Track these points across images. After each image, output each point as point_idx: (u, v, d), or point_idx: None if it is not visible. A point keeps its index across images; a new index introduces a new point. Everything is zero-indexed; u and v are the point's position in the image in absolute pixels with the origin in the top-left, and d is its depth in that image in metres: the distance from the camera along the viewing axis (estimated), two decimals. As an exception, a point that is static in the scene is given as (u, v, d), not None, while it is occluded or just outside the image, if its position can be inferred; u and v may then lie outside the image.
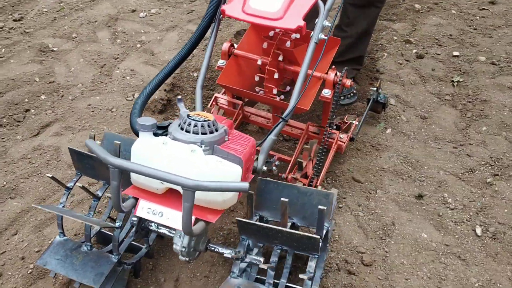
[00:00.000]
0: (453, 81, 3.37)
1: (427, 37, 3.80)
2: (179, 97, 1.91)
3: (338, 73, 2.29)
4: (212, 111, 2.62)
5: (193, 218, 1.65)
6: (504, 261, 2.28)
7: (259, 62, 2.32)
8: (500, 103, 3.16)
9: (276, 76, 2.26)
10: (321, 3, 2.11)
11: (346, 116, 2.85)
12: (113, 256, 1.93)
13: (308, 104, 2.25)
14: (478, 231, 2.41)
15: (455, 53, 3.63)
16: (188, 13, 4.24)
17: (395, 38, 3.80)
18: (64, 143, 2.89)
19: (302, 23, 2.03)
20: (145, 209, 1.69)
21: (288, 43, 2.25)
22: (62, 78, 3.44)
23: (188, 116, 1.74)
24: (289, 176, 2.30)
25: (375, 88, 2.83)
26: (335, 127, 2.65)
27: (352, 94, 3.17)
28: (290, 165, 2.40)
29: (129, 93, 3.28)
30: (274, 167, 2.42)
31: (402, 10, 4.17)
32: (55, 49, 3.72)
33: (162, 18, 4.18)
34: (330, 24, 2.10)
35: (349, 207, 2.53)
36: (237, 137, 1.84)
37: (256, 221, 1.93)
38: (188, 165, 1.62)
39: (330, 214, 1.90)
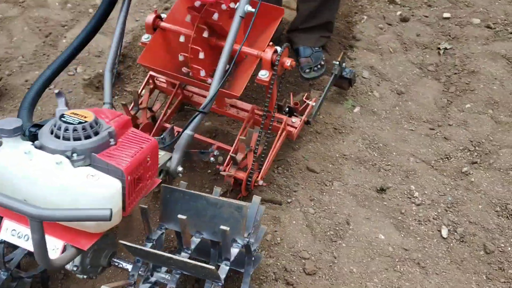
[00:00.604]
0: (439, 48, 2.95)
1: (415, -5, 3.33)
2: (57, 91, 1.58)
3: (278, 50, 1.92)
4: (141, 92, 2.28)
5: (61, 244, 1.36)
6: (470, 269, 1.97)
7: (181, 39, 1.95)
8: (490, 74, 2.75)
9: (201, 55, 1.90)
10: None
11: (306, 94, 2.49)
12: (1, 273, 1.68)
13: (239, 90, 1.90)
14: (444, 232, 2.08)
15: (446, 14, 3.17)
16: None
17: (379, -3, 3.35)
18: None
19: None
20: (9, 231, 1.41)
21: (215, 16, 1.88)
22: (2, 49, 3.12)
23: (62, 117, 1.42)
24: (225, 172, 1.99)
25: (337, 62, 2.45)
26: (286, 110, 2.30)
27: (319, 66, 2.79)
28: (228, 157, 2.08)
29: (72, 67, 2.95)
30: (212, 158, 2.11)
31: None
32: (-1, 16, 3.39)
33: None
34: (258, -7, 1.72)
35: (299, 202, 2.22)
36: (131, 138, 1.51)
37: (162, 234, 1.64)
38: (52, 182, 1.32)
39: (249, 227, 1.60)
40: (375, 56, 2.92)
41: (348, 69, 2.52)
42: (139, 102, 2.22)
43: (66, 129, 1.38)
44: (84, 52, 3.03)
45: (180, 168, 1.76)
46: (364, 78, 2.79)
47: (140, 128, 2.20)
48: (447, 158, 2.38)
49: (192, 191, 1.58)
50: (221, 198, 1.56)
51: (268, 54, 1.89)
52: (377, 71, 2.83)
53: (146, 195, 1.59)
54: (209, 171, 2.35)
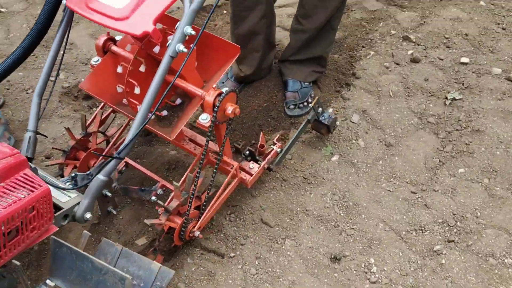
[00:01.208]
0: (446, 98, 2.64)
1: (434, 34, 3.01)
2: None
3: (223, 93, 1.71)
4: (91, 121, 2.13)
5: None
6: None
7: (118, 70, 1.79)
8: (496, 137, 2.42)
9: (136, 90, 1.72)
10: (186, 1, 1.52)
11: (278, 135, 2.26)
12: None
13: (173, 133, 1.71)
14: (393, 323, 1.81)
15: (464, 59, 2.84)
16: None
17: (393, 32, 3.05)
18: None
19: (151, 28, 1.47)
20: None
21: (156, 48, 1.70)
22: (-4, 45, 3.08)
23: None
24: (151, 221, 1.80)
25: (311, 106, 2.21)
26: (246, 154, 2.09)
27: (305, 104, 2.56)
28: (169, 199, 1.89)
29: (54, 72, 2.85)
30: (153, 197, 1.94)
31: (418, -5, 3.36)
32: (2, 9, 3.35)
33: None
34: (193, 32, 1.52)
35: (243, 258, 2.01)
36: (17, 184, 1.36)
37: (48, 289, 1.48)
38: None
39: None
40: (372, 98, 2.65)
41: (327, 113, 2.28)
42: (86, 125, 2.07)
43: None
44: (71, 57, 2.97)
45: (88, 215, 1.59)
46: (353, 122, 2.52)
47: (86, 155, 2.06)
48: (421, 230, 2.09)
49: (79, 250, 1.41)
50: (105, 264, 1.38)
51: (210, 96, 1.69)
52: (369, 116, 2.56)
53: (33, 245, 1.44)
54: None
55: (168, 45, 1.53)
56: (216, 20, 3.24)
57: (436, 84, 2.72)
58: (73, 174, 1.75)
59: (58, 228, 1.50)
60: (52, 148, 2.02)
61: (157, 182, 2.01)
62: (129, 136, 1.54)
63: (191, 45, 1.54)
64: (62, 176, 2.11)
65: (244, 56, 2.52)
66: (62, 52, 1.85)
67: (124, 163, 2.09)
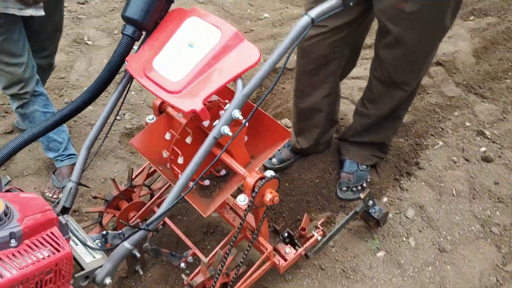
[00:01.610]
0: (517, 207, 2.41)
1: (513, 133, 2.80)
2: None
3: (265, 178, 1.63)
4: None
5: None
6: None
7: (167, 137, 1.77)
8: None
9: (180, 160, 1.70)
10: (239, 83, 1.49)
11: (323, 220, 2.14)
12: None
13: (209, 210, 1.65)
14: None
15: (543, 167, 2.60)
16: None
17: (468, 124, 2.87)
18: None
19: (199, 107, 1.45)
20: None
21: (206, 122, 1.67)
22: (75, 76, 3.24)
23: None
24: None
25: (361, 196, 2.08)
26: (285, 236, 2.00)
27: (359, 188, 2.43)
28: (194, 273, 1.83)
29: (122, 112, 2.94)
30: (183, 264, 1.90)
31: (503, 87, 3.16)
32: (89, 42, 3.55)
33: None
34: (241, 118, 1.47)
35: None
36: (40, 244, 1.35)
37: None
38: None
39: None
40: (432, 194, 2.47)
41: (378, 207, 2.14)
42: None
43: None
44: (140, 99, 3.05)
45: (108, 281, 1.55)
46: (407, 217, 2.36)
47: (126, 207, 2.06)
48: None
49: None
50: None
51: (251, 179, 1.63)
52: (426, 213, 2.38)
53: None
54: (188, 271, 2.12)
55: (214, 125, 1.49)
56: (285, 83, 3.22)
57: (506, 190, 2.50)
58: (104, 232, 1.74)
59: (72, 289, 1.48)
60: (94, 197, 2.04)
61: (189, 248, 1.96)
62: (161, 208, 1.50)
63: (243, 120, 1.48)
64: (101, 223, 2.11)
65: (303, 129, 2.46)
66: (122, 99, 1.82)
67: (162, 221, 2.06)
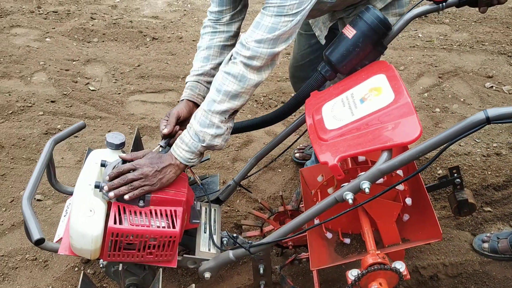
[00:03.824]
0: None
1: None
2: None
3: (383, 266, 1.45)
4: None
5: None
6: None
7: (318, 179, 1.73)
8: None
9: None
10: (384, 156, 1.35)
11: None
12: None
13: (320, 264, 1.59)
14: None
15: None
16: None
17: None
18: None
19: (332, 162, 1.39)
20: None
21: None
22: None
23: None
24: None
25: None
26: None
27: None
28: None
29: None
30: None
31: None
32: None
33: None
34: (367, 191, 1.33)
35: None
36: (158, 215, 1.57)
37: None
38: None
39: None
40: None
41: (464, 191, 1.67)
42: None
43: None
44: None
45: (207, 275, 1.69)
46: None
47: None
48: None
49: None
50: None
51: (370, 257, 1.46)
52: None
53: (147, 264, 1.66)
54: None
55: (342, 186, 1.41)
56: None
57: None
58: (234, 235, 1.87)
59: (175, 266, 1.66)
60: (260, 202, 2.17)
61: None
62: (269, 237, 1.54)
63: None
64: (261, 228, 2.23)
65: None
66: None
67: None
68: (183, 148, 1.56)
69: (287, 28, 1.45)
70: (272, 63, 1.53)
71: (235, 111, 1.56)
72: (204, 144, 1.55)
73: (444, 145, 1.26)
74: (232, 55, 1.54)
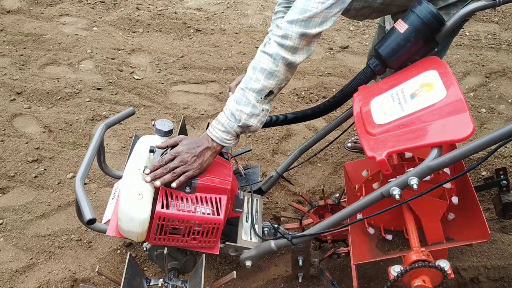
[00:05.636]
0: None
1: None
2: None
3: (424, 264, 1.44)
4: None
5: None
6: None
7: (363, 173, 1.72)
8: None
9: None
10: (434, 153, 1.33)
11: None
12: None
13: (361, 258, 1.58)
14: None
15: None
16: None
17: None
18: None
19: (380, 156, 1.39)
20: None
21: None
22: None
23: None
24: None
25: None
26: None
27: None
28: None
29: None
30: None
31: None
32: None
33: None
34: (415, 187, 1.32)
35: None
36: (203, 202, 1.60)
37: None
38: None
39: None
40: None
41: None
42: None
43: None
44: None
45: (248, 263, 1.71)
46: None
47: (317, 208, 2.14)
48: None
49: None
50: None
51: (413, 254, 1.46)
52: None
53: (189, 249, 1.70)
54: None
55: (389, 181, 1.40)
56: None
57: None
58: (276, 225, 1.89)
59: (217, 252, 1.70)
60: (301, 194, 2.18)
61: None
62: (311, 230, 1.55)
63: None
64: (300, 221, 2.24)
65: None
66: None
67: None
68: (219, 129, 1.58)
69: (317, 10, 1.47)
70: (308, 48, 1.55)
71: (270, 92, 1.57)
72: (240, 124, 1.57)
73: (498, 144, 1.24)
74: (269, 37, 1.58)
